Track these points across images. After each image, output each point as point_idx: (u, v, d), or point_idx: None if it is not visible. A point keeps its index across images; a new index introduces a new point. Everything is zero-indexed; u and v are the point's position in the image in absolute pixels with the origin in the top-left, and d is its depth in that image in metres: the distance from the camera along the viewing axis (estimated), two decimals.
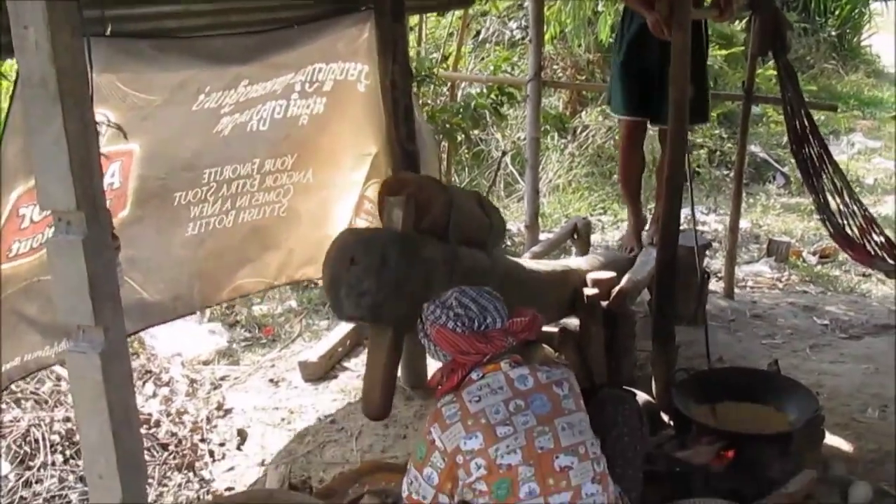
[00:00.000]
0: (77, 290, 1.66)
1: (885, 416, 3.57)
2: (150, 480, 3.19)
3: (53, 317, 2.43)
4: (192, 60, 2.83)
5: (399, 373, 3.03)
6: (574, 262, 3.91)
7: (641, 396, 3.21)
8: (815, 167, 3.89)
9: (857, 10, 11.13)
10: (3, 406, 3.42)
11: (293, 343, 4.53)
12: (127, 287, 2.78)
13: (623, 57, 4.17)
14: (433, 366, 2.71)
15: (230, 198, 3.34)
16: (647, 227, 4.55)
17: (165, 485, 3.28)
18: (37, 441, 3.30)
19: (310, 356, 4.14)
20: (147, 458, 3.31)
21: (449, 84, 6.40)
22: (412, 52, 5.71)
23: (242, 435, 3.65)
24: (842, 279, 5.40)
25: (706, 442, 2.92)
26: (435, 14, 6.85)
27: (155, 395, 3.82)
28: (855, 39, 11.56)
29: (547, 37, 6.97)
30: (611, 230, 6.34)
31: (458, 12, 6.67)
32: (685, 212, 3.67)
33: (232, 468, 3.44)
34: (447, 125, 5.36)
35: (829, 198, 3.86)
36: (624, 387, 3.25)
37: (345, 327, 4.28)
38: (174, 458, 3.41)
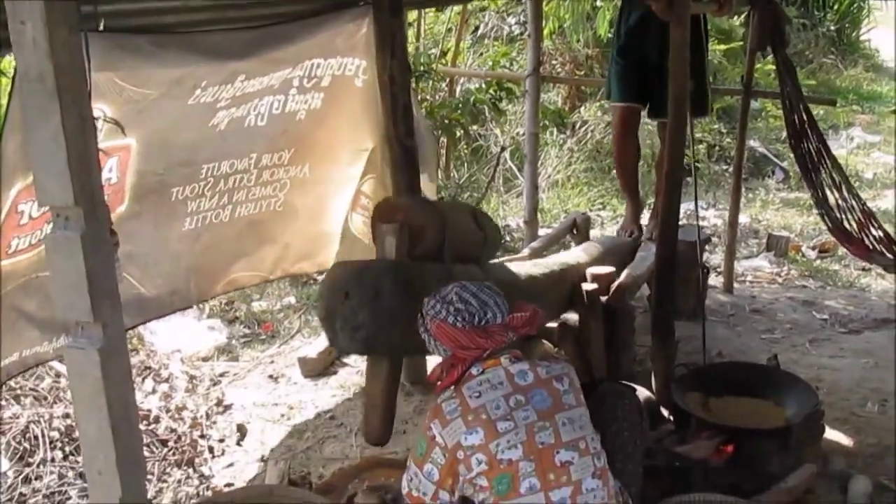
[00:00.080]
0: (75, 287, 1.65)
1: (885, 410, 3.57)
2: (149, 476, 3.20)
3: (52, 313, 2.43)
4: (190, 56, 2.83)
5: None
6: (573, 254, 3.89)
7: (641, 391, 3.20)
8: (814, 162, 3.88)
9: (855, 5, 11.13)
10: (3, 403, 3.42)
11: (292, 339, 4.53)
12: (125, 282, 2.78)
13: (623, 41, 4.16)
14: (433, 361, 2.71)
15: (227, 192, 3.34)
16: (646, 222, 4.55)
17: (165, 481, 3.28)
18: (36, 437, 3.30)
19: (309, 352, 4.15)
20: (146, 454, 3.32)
21: (447, 79, 6.41)
22: (411, 48, 5.71)
23: (242, 431, 3.65)
24: (841, 274, 5.40)
25: (706, 437, 2.92)
26: (433, 9, 6.85)
27: (154, 391, 3.83)
28: (854, 34, 11.57)
29: (546, 32, 6.96)
30: (610, 225, 6.33)
31: (457, 7, 6.67)
32: (685, 207, 3.67)
33: (231, 464, 3.44)
34: (446, 120, 5.37)
35: (828, 192, 3.85)
36: (623, 382, 3.25)
37: None
38: (174, 454, 3.41)
